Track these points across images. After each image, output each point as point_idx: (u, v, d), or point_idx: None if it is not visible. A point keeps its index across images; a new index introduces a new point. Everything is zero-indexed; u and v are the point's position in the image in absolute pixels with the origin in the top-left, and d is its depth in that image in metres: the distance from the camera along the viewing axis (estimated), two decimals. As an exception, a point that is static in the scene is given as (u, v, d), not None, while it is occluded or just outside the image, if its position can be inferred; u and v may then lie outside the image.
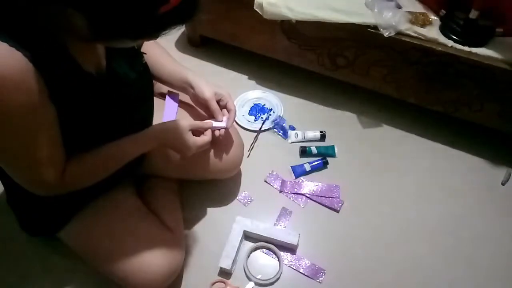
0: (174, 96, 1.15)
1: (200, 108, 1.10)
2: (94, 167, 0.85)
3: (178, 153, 0.98)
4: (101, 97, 0.78)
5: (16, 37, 0.60)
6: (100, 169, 0.86)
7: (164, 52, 1.08)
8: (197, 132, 0.98)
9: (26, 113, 0.65)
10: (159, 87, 1.25)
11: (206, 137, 0.99)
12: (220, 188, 1.27)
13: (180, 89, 1.07)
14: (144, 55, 0.91)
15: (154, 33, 0.62)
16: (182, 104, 1.16)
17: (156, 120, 1.02)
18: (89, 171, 0.84)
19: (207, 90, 1.03)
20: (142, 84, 0.91)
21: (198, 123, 0.98)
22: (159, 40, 1.03)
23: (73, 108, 0.73)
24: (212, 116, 1.05)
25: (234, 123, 1.40)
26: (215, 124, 1.04)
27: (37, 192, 0.79)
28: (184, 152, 0.96)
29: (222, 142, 1.09)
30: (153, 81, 1.20)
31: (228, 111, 1.06)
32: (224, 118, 1.05)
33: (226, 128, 1.05)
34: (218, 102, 1.05)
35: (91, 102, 0.76)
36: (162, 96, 1.16)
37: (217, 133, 1.04)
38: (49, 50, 0.65)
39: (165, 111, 1.11)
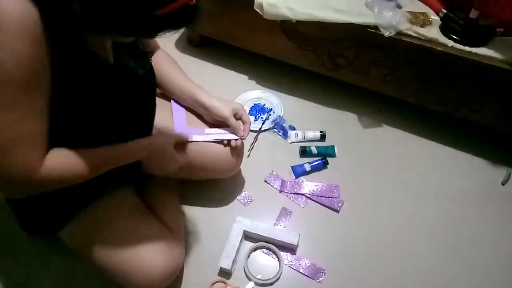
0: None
1: (215, 124, 1.11)
2: (77, 164, 0.75)
3: (159, 166, 0.97)
4: (106, 83, 0.77)
5: None
6: (81, 168, 0.76)
7: (173, 63, 1.09)
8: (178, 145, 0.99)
9: (23, 65, 0.60)
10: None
11: (183, 157, 0.98)
12: (220, 188, 1.27)
13: (190, 105, 1.10)
14: (150, 55, 0.91)
15: (147, 34, 0.62)
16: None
17: (159, 119, 1.02)
18: (70, 167, 0.75)
19: (224, 109, 1.05)
20: (147, 83, 0.91)
21: (183, 139, 0.99)
22: (159, 39, 1.02)
23: (74, 87, 0.71)
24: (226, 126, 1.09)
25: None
26: (232, 136, 1.08)
27: (5, 187, 0.70)
28: (164, 169, 0.96)
29: (238, 151, 1.12)
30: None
31: (244, 123, 1.09)
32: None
33: (243, 139, 1.09)
34: (234, 116, 1.08)
35: (94, 85, 0.74)
36: (166, 96, 1.16)
37: (233, 143, 1.07)
38: (61, 16, 0.63)
39: (174, 116, 1.11)
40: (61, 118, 0.73)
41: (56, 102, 0.69)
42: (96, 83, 0.75)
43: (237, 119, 1.09)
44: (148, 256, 0.95)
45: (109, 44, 0.78)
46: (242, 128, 1.09)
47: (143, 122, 0.96)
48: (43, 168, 0.69)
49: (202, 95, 1.07)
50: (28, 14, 0.59)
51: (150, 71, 0.91)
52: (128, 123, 0.88)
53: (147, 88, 0.93)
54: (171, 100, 1.14)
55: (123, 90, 0.82)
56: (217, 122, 1.10)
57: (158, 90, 1.13)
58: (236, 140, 1.09)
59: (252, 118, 1.46)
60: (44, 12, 0.61)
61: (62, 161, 0.73)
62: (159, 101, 1.13)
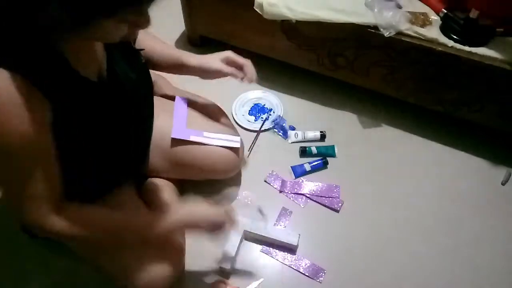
0: (182, 99, 1.15)
1: (211, 78, 1.08)
2: (95, 226, 0.79)
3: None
4: (104, 103, 0.78)
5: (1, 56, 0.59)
6: (99, 231, 0.80)
7: (157, 39, 1.06)
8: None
9: (22, 141, 0.63)
10: (161, 87, 1.25)
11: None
12: (220, 188, 1.27)
13: (181, 72, 1.06)
14: (142, 51, 0.90)
15: (133, 3, 0.60)
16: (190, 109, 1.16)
17: (159, 122, 1.02)
18: (86, 227, 0.78)
19: (213, 63, 1.03)
20: (142, 84, 0.91)
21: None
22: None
23: (75, 121, 0.72)
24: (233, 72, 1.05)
25: (234, 123, 1.41)
26: (229, 143, 1.08)
27: (25, 223, 0.76)
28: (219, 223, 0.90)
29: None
30: (154, 81, 1.20)
31: (244, 66, 1.05)
32: (237, 138, 1.10)
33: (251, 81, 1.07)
34: (229, 63, 1.05)
35: (94, 111, 0.75)
36: (166, 97, 1.16)
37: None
38: (49, 66, 0.64)
39: (174, 116, 1.11)
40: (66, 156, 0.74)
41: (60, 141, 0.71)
42: (95, 106, 0.75)
43: (233, 66, 1.05)
44: (149, 256, 0.95)
45: (102, 53, 0.78)
46: (242, 73, 1.05)
47: (143, 122, 0.96)
48: (55, 221, 0.73)
49: (189, 57, 1.03)
50: (18, 95, 0.60)
51: (143, 69, 0.91)
52: (128, 128, 0.87)
53: (145, 88, 0.93)
54: (175, 99, 1.14)
55: (121, 100, 0.82)
56: (214, 77, 1.07)
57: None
58: (232, 147, 1.08)
59: (252, 118, 1.46)
60: (31, 72, 0.61)
61: (78, 218, 0.76)
62: (161, 101, 1.13)
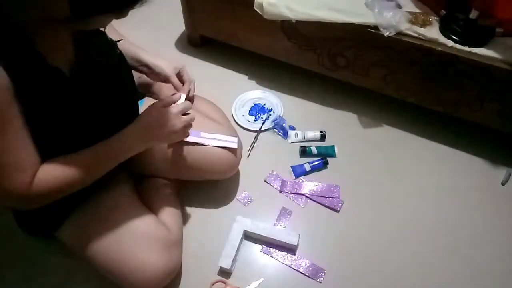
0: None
1: (157, 80, 1.10)
2: (67, 176, 0.79)
3: (164, 137, 0.92)
4: (73, 94, 0.78)
5: None
6: (74, 179, 0.80)
7: (116, 31, 1.07)
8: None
9: None
10: (162, 88, 1.24)
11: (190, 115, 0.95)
12: (220, 188, 1.27)
13: (134, 68, 1.07)
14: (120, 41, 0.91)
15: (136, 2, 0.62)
16: None
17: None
18: (61, 179, 0.79)
19: (167, 68, 1.05)
20: (119, 76, 0.91)
21: (168, 100, 0.93)
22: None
23: (44, 107, 0.72)
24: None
25: (234, 123, 1.42)
26: (227, 143, 1.10)
27: (4, 202, 0.77)
28: (172, 137, 0.92)
29: None
30: (153, 82, 1.19)
31: (184, 82, 1.08)
32: (235, 139, 1.12)
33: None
34: (177, 75, 1.07)
35: (63, 100, 0.76)
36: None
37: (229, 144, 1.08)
38: (12, 45, 0.65)
39: None
40: (47, 132, 0.75)
41: (36, 122, 0.73)
42: (64, 96, 0.76)
43: (180, 79, 1.08)
44: (145, 255, 0.95)
45: (70, 41, 0.79)
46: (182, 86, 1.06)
47: (128, 117, 0.95)
48: (34, 186, 0.74)
49: (145, 54, 1.06)
50: None
51: (119, 61, 0.91)
52: (109, 121, 0.87)
53: (122, 81, 0.93)
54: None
55: (94, 91, 0.83)
56: (161, 81, 1.09)
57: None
58: (230, 148, 1.09)
59: (252, 118, 1.46)
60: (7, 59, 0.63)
61: (53, 174, 0.77)
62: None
